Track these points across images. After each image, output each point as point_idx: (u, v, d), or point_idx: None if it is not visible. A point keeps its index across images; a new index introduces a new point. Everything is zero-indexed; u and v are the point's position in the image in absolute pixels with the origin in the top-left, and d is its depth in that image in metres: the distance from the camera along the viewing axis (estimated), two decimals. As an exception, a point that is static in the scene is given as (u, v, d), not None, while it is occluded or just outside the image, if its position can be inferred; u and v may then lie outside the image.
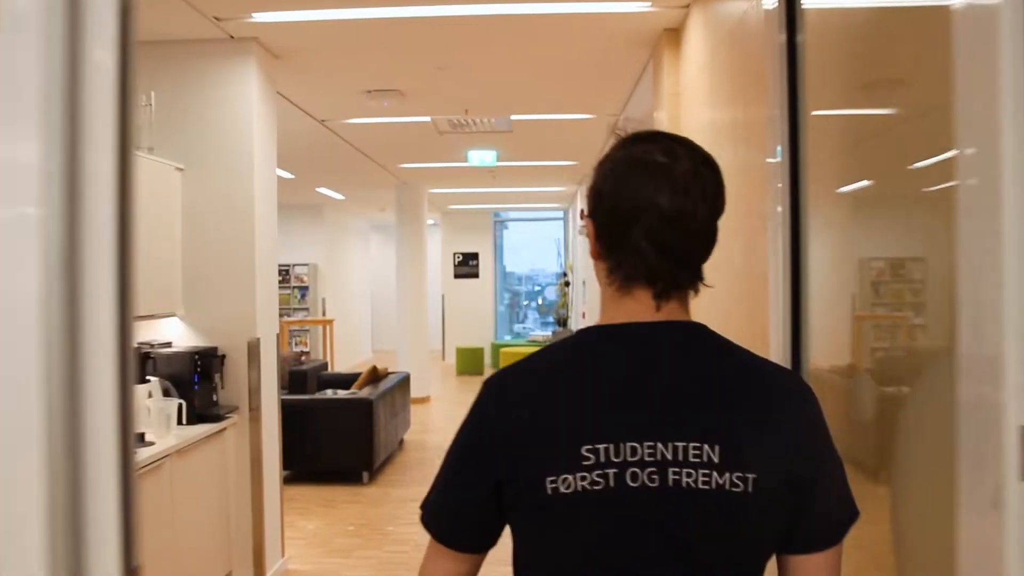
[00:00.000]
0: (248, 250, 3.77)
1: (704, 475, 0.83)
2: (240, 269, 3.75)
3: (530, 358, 0.94)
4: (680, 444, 0.83)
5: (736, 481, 0.82)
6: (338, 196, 10.45)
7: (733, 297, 2.47)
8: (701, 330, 0.90)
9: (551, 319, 12.00)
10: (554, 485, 0.83)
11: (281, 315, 11.43)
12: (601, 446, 0.83)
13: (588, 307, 8.71)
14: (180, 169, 3.70)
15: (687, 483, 0.83)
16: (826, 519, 0.88)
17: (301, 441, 5.39)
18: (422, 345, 9.45)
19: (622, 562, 0.84)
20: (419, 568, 0.96)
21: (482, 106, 5.43)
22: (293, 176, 8.41)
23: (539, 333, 12.35)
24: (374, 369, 6.65)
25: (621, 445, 0.83)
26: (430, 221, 14.92)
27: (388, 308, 15.04)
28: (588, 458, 0.83)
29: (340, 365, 11.86)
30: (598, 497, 0.83)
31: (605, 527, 0.84)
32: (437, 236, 14.71)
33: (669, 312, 0.89)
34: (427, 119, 5.70)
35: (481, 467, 0.90)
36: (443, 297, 13.19)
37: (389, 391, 6.33)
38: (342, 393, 6.03)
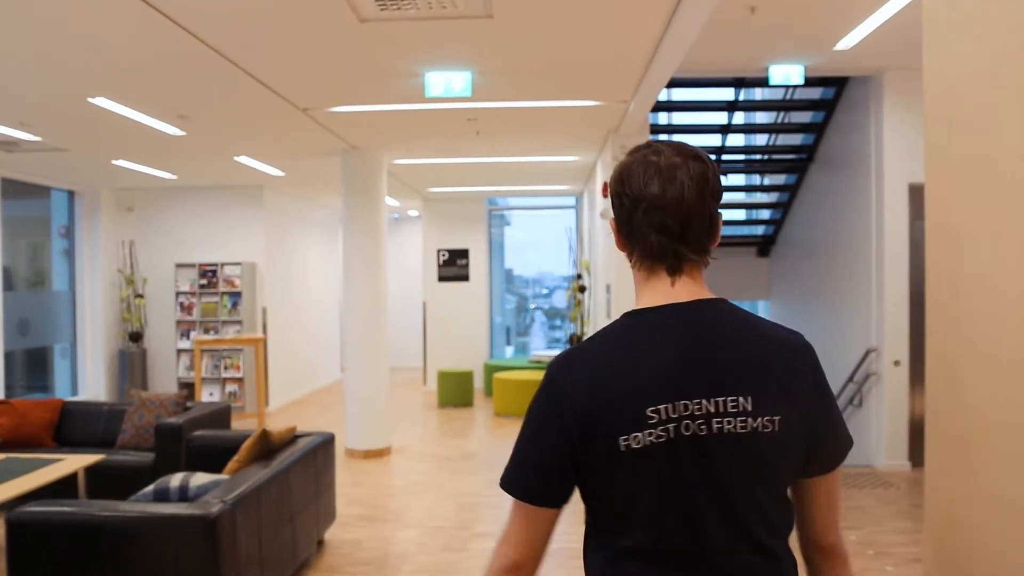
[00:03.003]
0: None
1: (741, 421, 1.07)
2: None
3: (590, 340, 1.16)
4: (720, 399, 1.07)
5: (766, 423, 1.08)
6: (274, 171, 7.77)
7: None
8: (724, 304, 1.14)
9: (560, 331, 9.22)
10: (626, 443, 1.05)
11: (207, 329, 8.77)
12: (662, 406, 1.06)
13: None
14: None
15: (728, 429, 1.07)
16: (833, 447, 1.16)
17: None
18: (378, 372, 6.75)
19: (683, 497, 1.07)
20: (502, 535, 1.16)
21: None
22: (182, 132, 5.73)
23: (544, 352, 9.61)
24: (263, 436, 3.95)
25: (676, 404, 1.06)
26: (412, 212, 12.28)
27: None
28: (652, 418, 1.06)
29: (285, 397, 9.14)
30: (661, 448, 1.06)
31: (668, 471, 1.06)
32: (417, 229, 12.06)
33: (683, 284, 1.13)
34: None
35: (559, 434, 1.10)
36: (424, 305, 10.49)
37: (278, 477, 3.63)
38: (166, 508, 3.21)
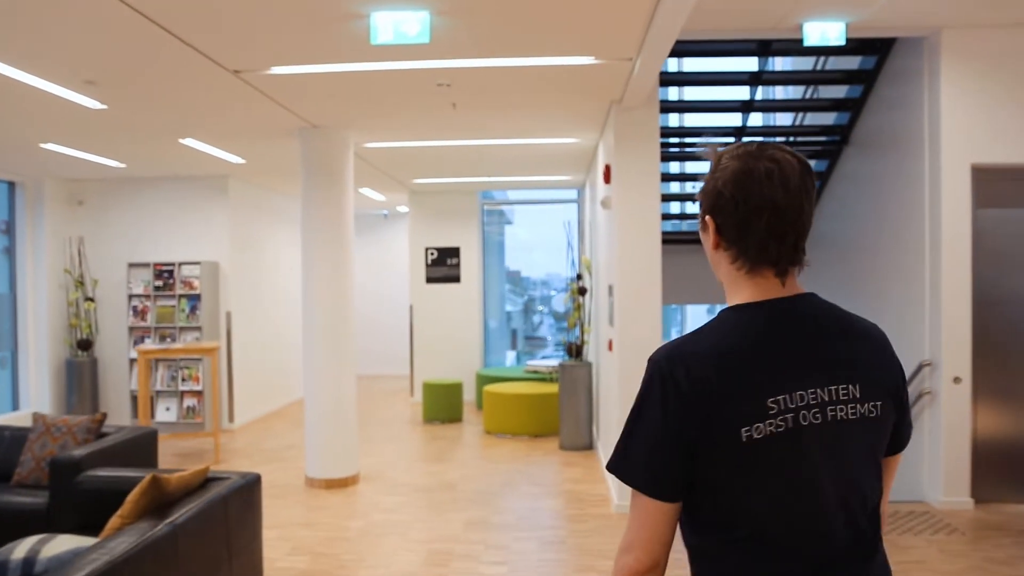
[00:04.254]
0: None
1: (852, 408, 1.15)
2: None
3: (694, 334, 1.17)
4: (832, 387, 1.14)
5: (871, 408, 1.16)
6: (232, 158, 6.85)
7: None
8: (817, 298, 1.21)
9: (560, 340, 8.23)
10: (748, 433, 1.09)
11: (164, 336, 7.86)
12: (780, 397, 1.11)
13: (623, 328, 5.01)
14: None
15: (841, 416, 1.14)
16: (907, 429, 1.28)
17: None
18: (343, 389, 5.80)
19: (803, 484, 1.11)
20: (622, 545, 1.15)
21: None
22: (101, 104, 4.82)
23: (539, 362, 8.64)
24: (154, 485, 3.01)
25: (793, 394, 1.11)
26: (402, 208, 11.35)
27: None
28: (772, 408, 1.10)
29: (253, 411, 8.21)
30: (781, 438, 1.10)
31: (789, 459, 1.11)
32: (403, 227, 11.14)
33: (790, 286, 1.19)
34: None
35: (678, 428, 1.11)
36: (411, 308, 9.55)
37: (164, 541, 2.69)
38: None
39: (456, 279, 9.42)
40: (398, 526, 4.79)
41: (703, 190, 1.20)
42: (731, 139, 6.39)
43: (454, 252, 9.44)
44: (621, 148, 4.96)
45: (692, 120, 7.59)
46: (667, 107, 6.12)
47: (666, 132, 6.65)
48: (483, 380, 8.65)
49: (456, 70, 4.22)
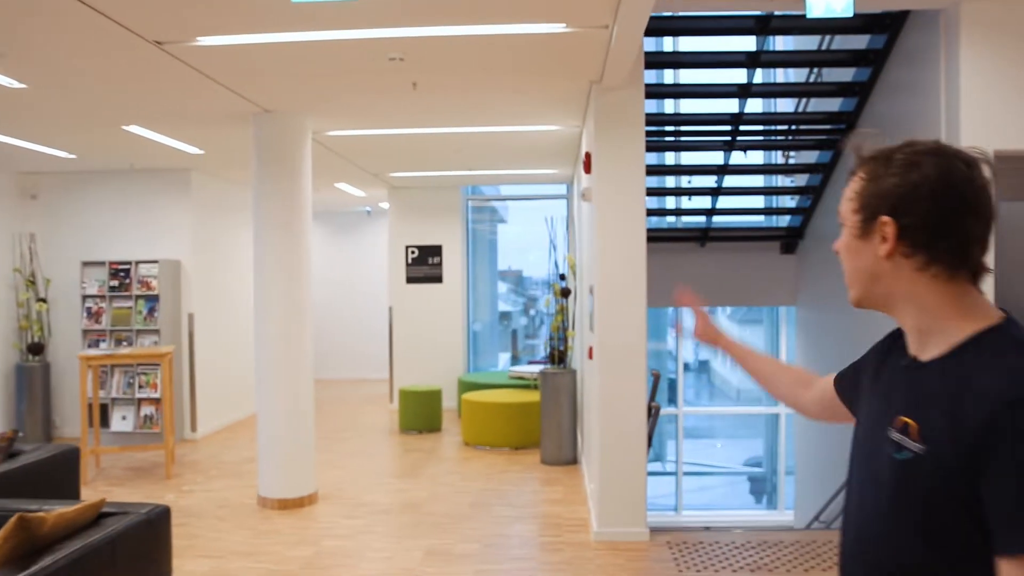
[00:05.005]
0: None
1: None
2: None
3: None
4: None
5: None
6: (187, 147, 6.34)
7: None
8: None
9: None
10: None
11: (120, 340, 7.35)
12: None
13: (604, 334, 4.48)
14: None
15: None
16: None
17: None
18: (298, 400, 5.29)
19: None
20: None
21: None
22: (19, 84, 4.32)
23: (523, 368, 8.11)
24: (20, 527, 2.50)
25: None
26: (385, 205, 10.85)
27: (334, 325, 10.97)
28: None
29: (218, 419, 7.71)
30: None
31: None
32: (383, 225, 10.62)
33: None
34: None
35: None
36: (390, 310, 9.03)
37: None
38: None
39: (438, 279, 8.90)
40: (349, 556, 4.27)
41: (876, 191, 1.10)
42: (727, 127, 5.85)
43: (436, 250, 8.91)
44: (602, 133, 4.44)
45: (688, 107, 7.04)
46: (657, 92, 5.59)
47: (660, 120, 6.12)
48: (465, 387, 8.13)
49: (406, 41, 3.70)
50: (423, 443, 7.21)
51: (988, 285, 4.49)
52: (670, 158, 7.30)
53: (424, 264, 8.91)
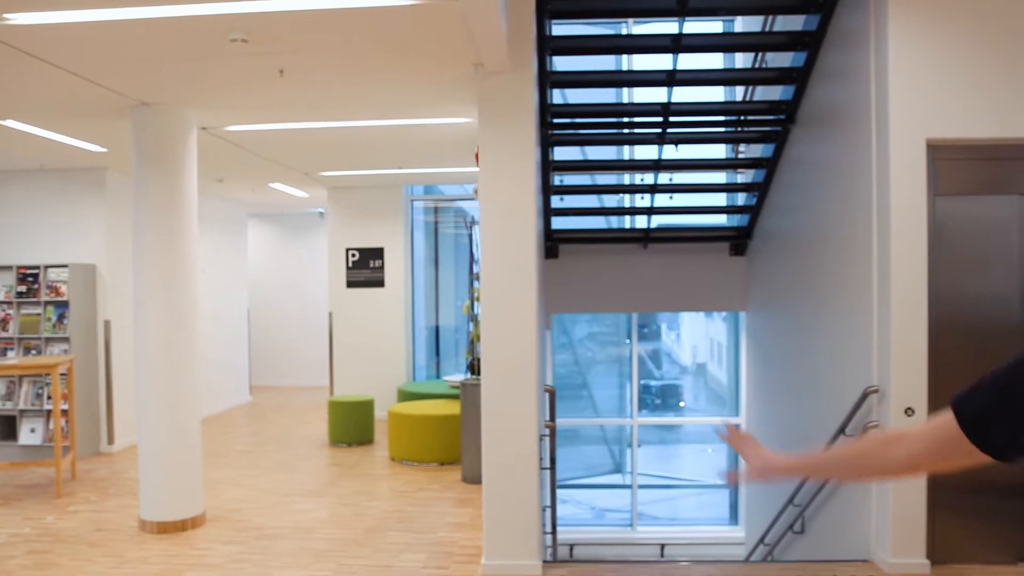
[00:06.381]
0: None
1: None
2: None
3: None
4: None
5: None
6: (87, 145, 5.95)
7: None
8: None
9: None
10: None
11: (28, 349, 6.96)
12: None
13: (489, 346, 4.05)
14: None
15: None
16: None
17: None
18: (182, 413, 4.88)
19: None
20: None
21: None
22: None
23: (458, 377, 7.68)
24: None
25: None
26: (319, 209, 10.48)
27: (281, 330, 10.57)
28: None
29: (130, 437, 7.33)
30: None
31: None
32: (323, 228, 10.22)
33: None
34: None
35: None
36: (330, 316, 8.62)
37: None
38: None
39: (380, 283, 8.48)
40: (206, 592, 3.85)
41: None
42: (658, 118, 5.41)
43: (377, 253, 8.50)
44: (487, 123, 4.00)
45: (617, 97, 6.59)
46: (562, 82, 5.15)
47: (575, 112, 5.68)
48: (404, 396, 7.71)
49: (245, 18, 3.28)
50: (348, 457, 6.79)
51: (920, 290, 4.05)
52: (608, 152, 6.86)
53: (365, 268, 8.50)
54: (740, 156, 6.15)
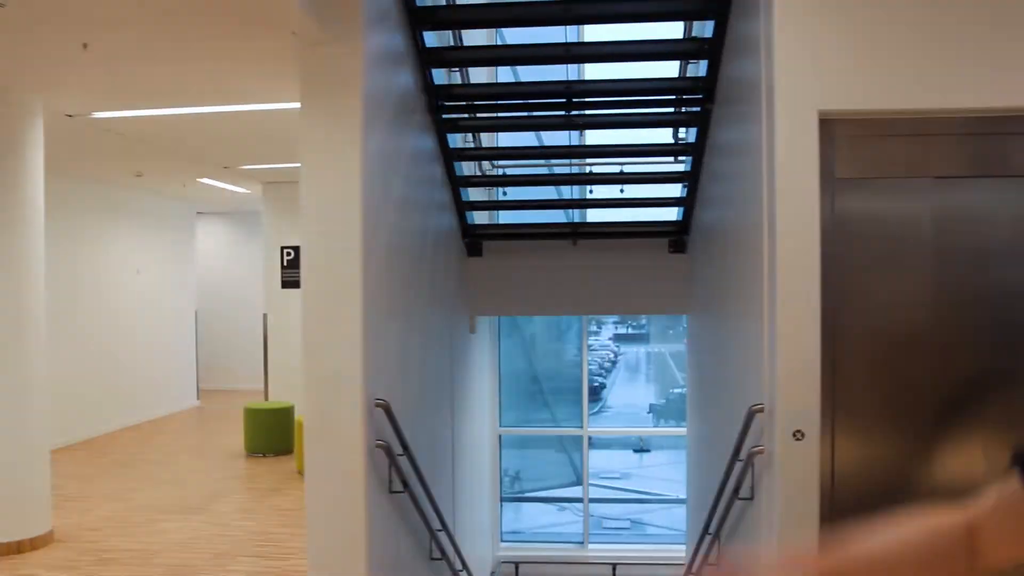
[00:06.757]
0: None
1: None
2: None
3: None
4: None
5: None
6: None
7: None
8: None
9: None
10: None
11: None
12: None
13: (309, 357, 3.56)
14: None
15: None
16: None
17: None
18: (18, 418, 4.51)
19: None
20: None
21: None
22: None
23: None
24: None
25: None
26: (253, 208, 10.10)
27: (224, 332, 10.24)
28: None
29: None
30: None
31: None
32: (260, 227, 9.83)
33: None
34: None
35: None
36: (265, 317, 8.24)
37: None
38: None
39: (315, 283, 8.06)
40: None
41: None
42: (562, 99, 4.85)
43: (313, 252, 8.07)
44: (308, 107, 3.52)
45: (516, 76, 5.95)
46: (440, 59, 4.63)
47: (480, 94, 5.15)
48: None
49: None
50: (255, 469, 6.37)
51: (812, 291, 3.44)
52: (526, 139, 6.29)
53: (299, 267, 8.08)
54: (665, 143, 5.56)
